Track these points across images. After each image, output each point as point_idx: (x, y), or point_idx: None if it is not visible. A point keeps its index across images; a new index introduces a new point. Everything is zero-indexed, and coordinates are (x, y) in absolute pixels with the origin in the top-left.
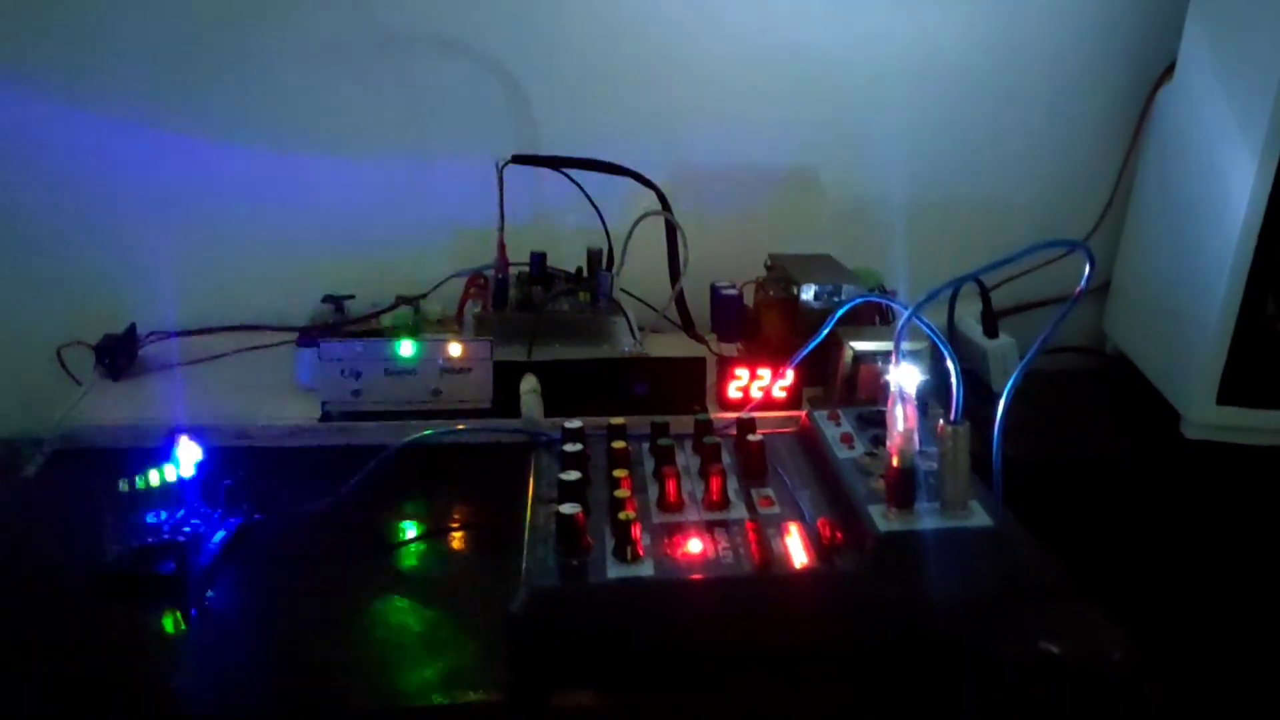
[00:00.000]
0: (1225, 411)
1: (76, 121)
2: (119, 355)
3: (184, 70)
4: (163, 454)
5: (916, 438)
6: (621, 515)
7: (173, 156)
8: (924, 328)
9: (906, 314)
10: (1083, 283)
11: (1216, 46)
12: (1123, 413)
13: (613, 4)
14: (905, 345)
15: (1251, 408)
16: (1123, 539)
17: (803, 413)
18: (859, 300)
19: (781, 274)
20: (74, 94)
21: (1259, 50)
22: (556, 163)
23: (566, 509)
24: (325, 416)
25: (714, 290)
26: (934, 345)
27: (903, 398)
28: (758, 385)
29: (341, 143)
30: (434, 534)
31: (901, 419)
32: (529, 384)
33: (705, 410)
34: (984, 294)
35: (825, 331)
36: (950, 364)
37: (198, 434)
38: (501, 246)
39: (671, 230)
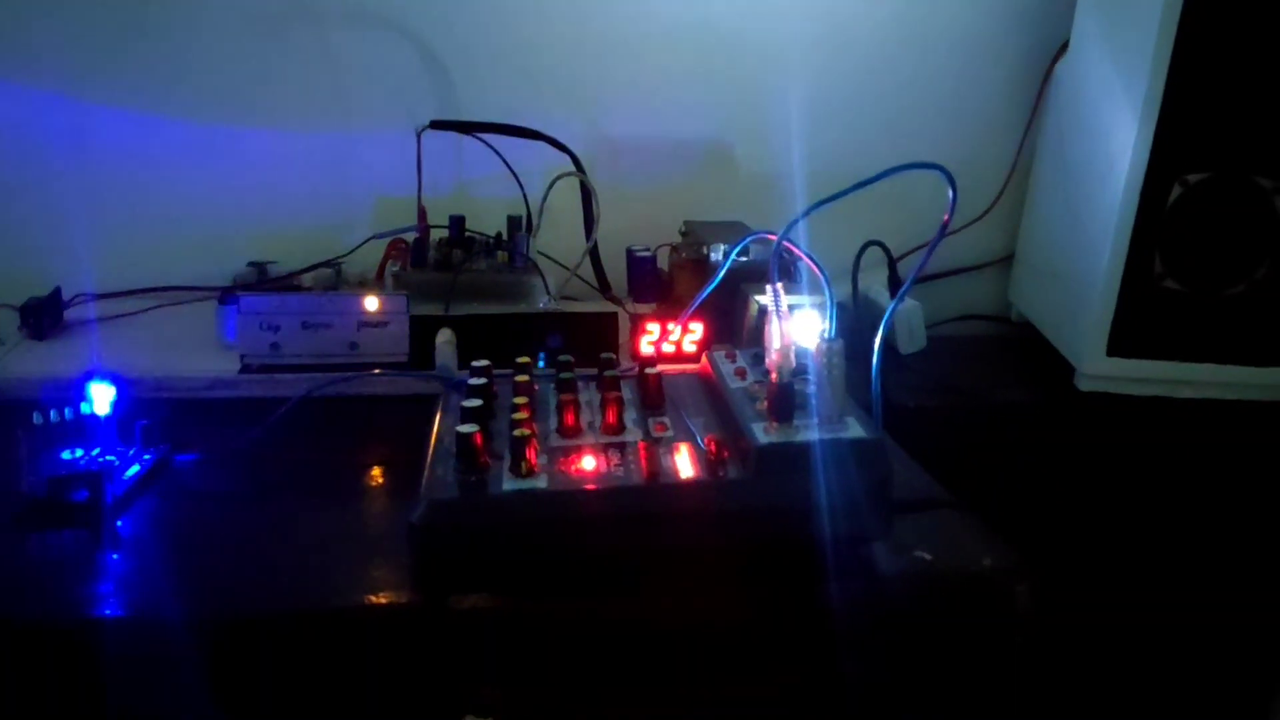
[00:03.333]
0: (1115, 363)
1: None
2: (43, 316)
3: (107, 40)
4: (79, 397)
5: (793, 354)
6: (517, 432)
7: (98, 126)
8: (794, 249)
9: (778, 239)
10: (948, 209)
11: (1105, 21)
12: (1024, 371)
13: None
14: (806, 299)
15: (1139, 358)
16: (1010, 473)
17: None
18: (748, 240)
19: (695, 238)
20: None
21: (1140, 22)
22: (473, 128)
23: (465, 429)
24: (245, 369)
25: (629, 253)
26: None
27: (778, 316)
28: (669, 340)
29: (264, 112)
30: (346, 469)
31: (777, 336)
32: (444, 336)
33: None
34: (890, 260)
35: (722, 273)
36: (824, 286)
37: (114, 379)
38: (421, 209)
39: (585, 191)
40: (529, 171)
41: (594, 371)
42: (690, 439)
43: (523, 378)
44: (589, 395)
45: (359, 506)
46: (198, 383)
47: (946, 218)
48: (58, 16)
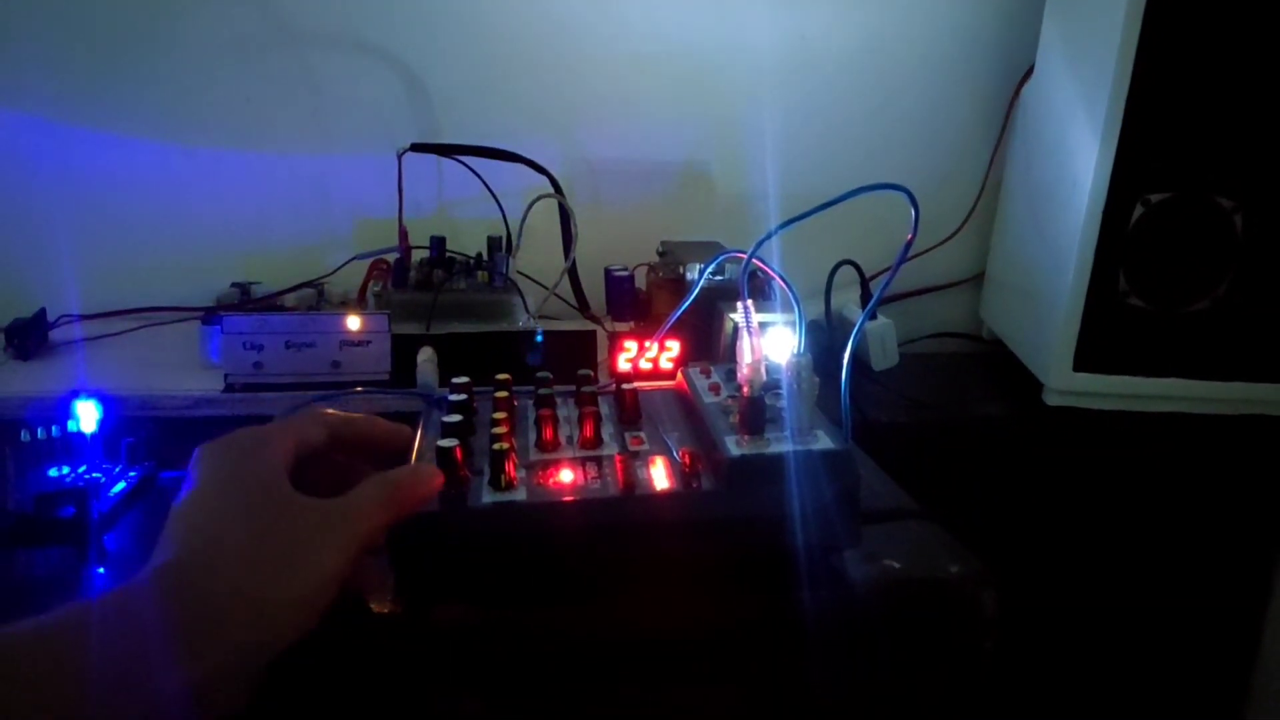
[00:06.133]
0: (1081, 378)
1: None
2: (29, 337)
3: (91, 64)
4: (65, 415)
5: (764, 369)
6: (496, 446)
7: (82, 149)
8: (764, 267)
9: (747, 257)
10: (911, 228)
11: (1068, 46)
12: (994, 387)
13: (513, 5)
14: (779, 317)
15: (1105, 374)
16: (980, 485)
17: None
18: (720, 258)
19: (672, 258)
20: None
21: (1101, 46)
22: (453, 150)
23: (445, 443)
24: (228, 388)
25: (607, 273)
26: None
27: (749, 332)
28: (646, 357)
29: (247, 135)
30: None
31: (748, 352)
32: (425, 354)
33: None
34: (862, 279)
35: (695, 292)
36: (793, 302)
37: (100, 397)
38: (402, 230)
39: (564, 212)
40: (508, 193)
41: (572, 388)
42: (666, 452)
43: (502, 394)
44: (567, 411)
45: None
46: (182, 401)
47: (910, 237)
48: (41, 41)
